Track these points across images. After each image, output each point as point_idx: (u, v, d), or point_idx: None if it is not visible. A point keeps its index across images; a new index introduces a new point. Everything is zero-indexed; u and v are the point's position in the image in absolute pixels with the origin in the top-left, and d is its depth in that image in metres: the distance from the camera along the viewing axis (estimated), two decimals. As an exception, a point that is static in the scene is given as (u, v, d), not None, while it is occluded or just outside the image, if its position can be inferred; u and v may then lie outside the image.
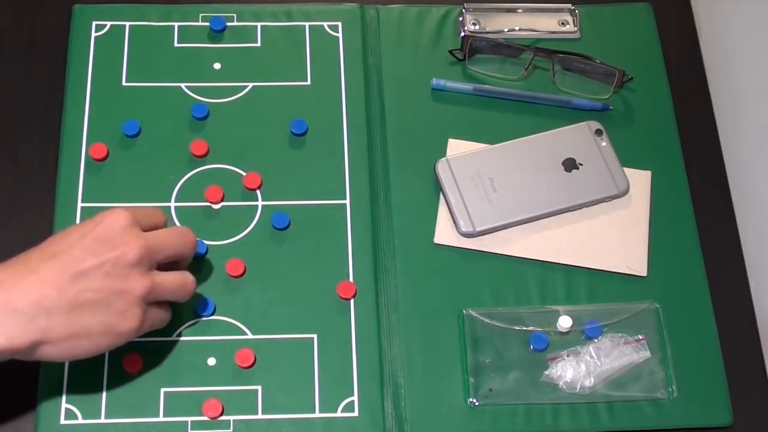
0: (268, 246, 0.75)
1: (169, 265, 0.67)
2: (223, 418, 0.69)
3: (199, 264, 0.73)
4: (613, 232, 0.76)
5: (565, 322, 0.72)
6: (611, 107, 0.81)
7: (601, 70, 0.81)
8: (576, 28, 0.85)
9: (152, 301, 0.65)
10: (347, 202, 0.77)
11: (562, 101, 0.81)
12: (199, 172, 0.77)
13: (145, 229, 0.65)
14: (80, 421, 0.68)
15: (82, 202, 0.75)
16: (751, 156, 0.82)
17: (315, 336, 0.72)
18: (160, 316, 0.67)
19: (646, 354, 0.72)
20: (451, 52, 0.83)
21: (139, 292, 0.62)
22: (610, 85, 0.81)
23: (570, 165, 0.78)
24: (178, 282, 0.66)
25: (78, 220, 0.74)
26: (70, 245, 0.61)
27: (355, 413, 0.70)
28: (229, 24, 0.83)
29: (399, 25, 0.84)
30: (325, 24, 0.84)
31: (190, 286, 0.67)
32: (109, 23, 0.82)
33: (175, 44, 0.82)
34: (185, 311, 0.71)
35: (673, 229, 0.77)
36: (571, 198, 0.77)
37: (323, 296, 0.73)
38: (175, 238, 0.66)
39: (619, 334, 0.72)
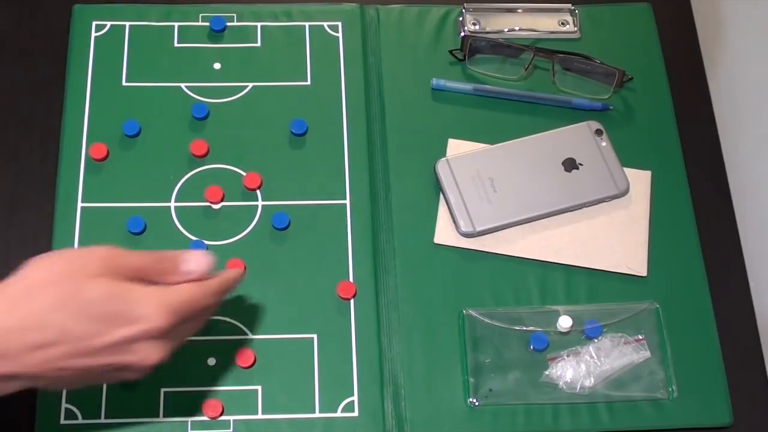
0: (268, 246, 0.75)
1: None
2: (223, 418, 0.69)
3: (199, 264, 0.73)
4: (613, 232, 0.76)
5: (565, 322, 0.72)
6: (611, 107, 0.81)
7: (601, 70, 0.81)
8: (576, 28, 0.85)
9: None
10: (347, 202, 0.76)
11: (562, 101, 0.81)
12: (199, 172, 0.77)
13: (129, 278, 0.54)
14: (80, 421, 0.68)
15: (82, 202, 0.75)
16: (751, 156, 0.82)
17: (315, 336, 0.72)
18: (189, 332, 0.59)
19: (646, 354, 0.72)
20: (451, 52, 0.83)
21: (152, 363, 0.54)
22: (610, 85, 0.81)
23: (570, 165, 0.78)
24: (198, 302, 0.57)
25: (78, 220, 0.74)
26: (62, 327, 0.50)
27: (355, 413, 0.70)
28: (229, 24, 0.83)
29: (399, 25, 0.84)
30: (325, 24, 0.84)
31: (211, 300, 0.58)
32: (109, 23, 0.82)
33: (175, 44, 0.82)
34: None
35: (673, 229, 0.77)
36: (571, 198, 0.77)
37: (323, 296, 0.73)
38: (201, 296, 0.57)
39: (619, 334, 0.72)
